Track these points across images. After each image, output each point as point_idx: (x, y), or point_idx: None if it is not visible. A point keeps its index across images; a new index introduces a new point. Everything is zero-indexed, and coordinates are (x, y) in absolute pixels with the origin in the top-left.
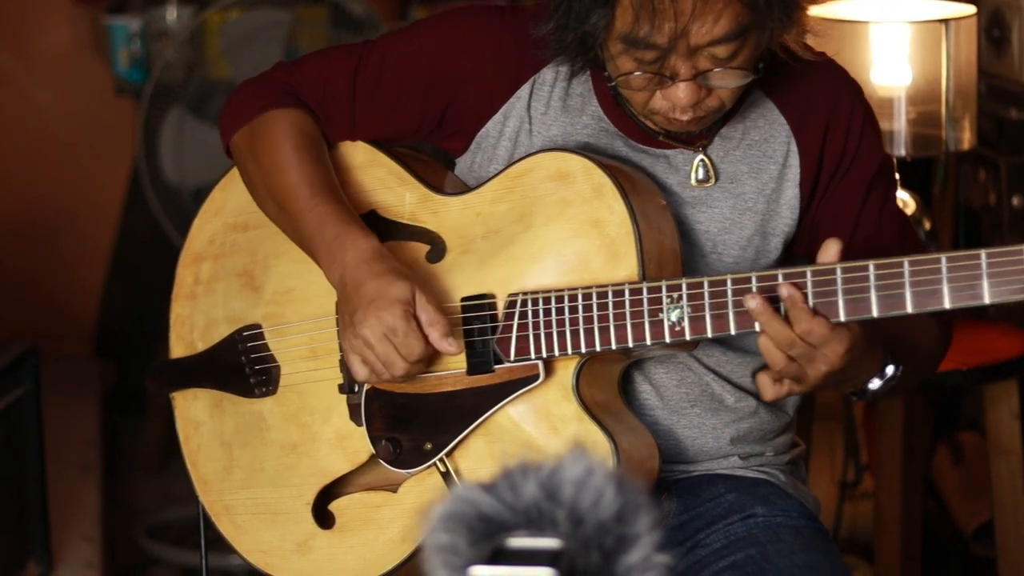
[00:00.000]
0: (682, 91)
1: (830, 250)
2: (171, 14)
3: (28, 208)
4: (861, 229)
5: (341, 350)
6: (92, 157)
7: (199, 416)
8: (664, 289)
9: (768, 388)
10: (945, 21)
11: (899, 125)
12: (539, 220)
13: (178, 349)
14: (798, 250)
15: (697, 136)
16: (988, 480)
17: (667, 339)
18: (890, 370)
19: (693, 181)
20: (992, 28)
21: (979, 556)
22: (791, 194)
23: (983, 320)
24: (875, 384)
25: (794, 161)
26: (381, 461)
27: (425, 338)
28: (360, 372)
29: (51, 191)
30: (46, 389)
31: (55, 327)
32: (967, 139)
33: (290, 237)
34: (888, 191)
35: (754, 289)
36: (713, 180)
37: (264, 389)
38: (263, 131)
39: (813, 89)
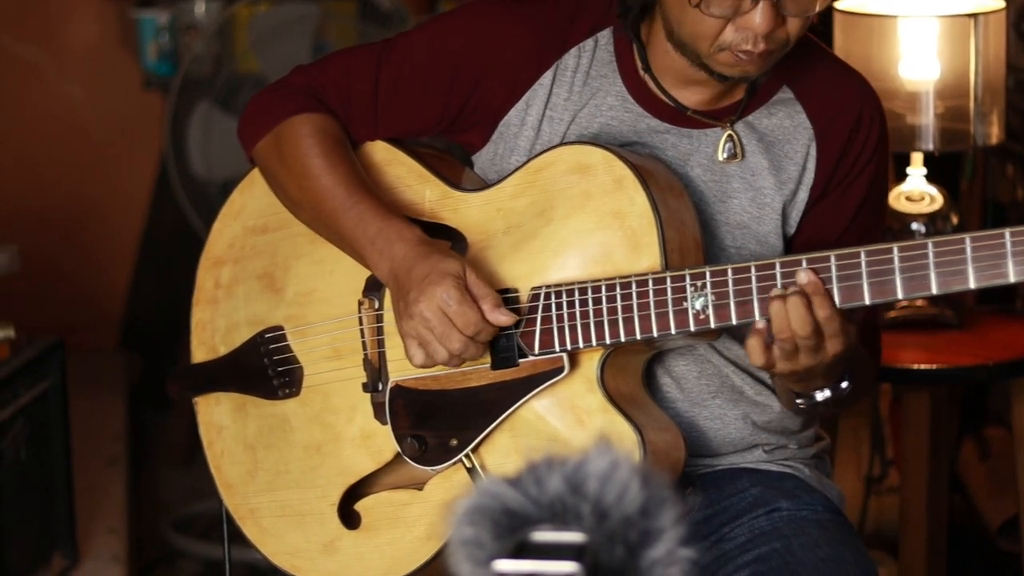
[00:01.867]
0: (760, 15)
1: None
2: (199, 8)
3: (56, 201)
4: (843, 244)
5: (364, 348)
6: (120, 150)
7: (222, 420)
8: (688, 278)
9: (758, 352)
10: (974, 16)
11: (927, 120)
12: (560, 213)
13: (200, 354)
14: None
15: (725, 113)
16: (1014, 475)
17: (692, 328)
18: (843, 385)
19: (720, 157)
20: (1021, 23)
21: (1005, 551)
22: (802, 197)
23: (1009, 315)
24: (824, 394)
25: (811, 165)
26: (407, 459)
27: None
28: (417, 356)
29: (79, 184)
30: (73, 382)
31: (82, 320)
32: (995, 134)
33: (329, 240)
34: (877, 223)
35: (778, 275)
36: (740, 157)
37: (287, 391)
38: (289, 137)
39: (842, 96)
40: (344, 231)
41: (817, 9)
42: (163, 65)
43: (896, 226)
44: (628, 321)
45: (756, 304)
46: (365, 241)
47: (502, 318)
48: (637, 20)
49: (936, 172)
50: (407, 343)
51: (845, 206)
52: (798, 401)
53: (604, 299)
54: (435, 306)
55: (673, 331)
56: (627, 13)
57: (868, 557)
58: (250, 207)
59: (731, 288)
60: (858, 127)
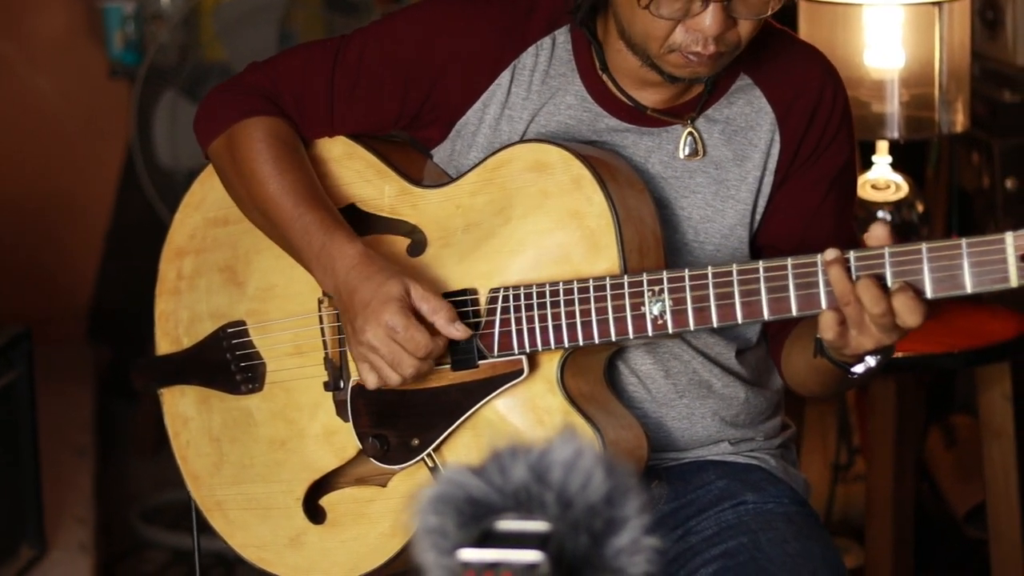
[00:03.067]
0: (710, 17)
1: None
2: None
3: (23, 191)
4: (812, 229)
5: (325, 347)
6: (87, 140)
7: (187, 412)
8: (645, 283)
9: (830, 326)
10: (938, 3)
11: (892, 108)
12: (518, 212)
13: (164, 345)
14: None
15: (684, 110)
16: (980, 463)
17: (650, 332)
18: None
19: (681, 154)
20: (986, 10)
21: (971, 538)
22: (768, 181)
23: (975, 303)
24: (870, 361)
25: (775, 150)
26: (369, 457)
27: (428, 330)
28: (370, 380)
29: (46, 174)
30: (41, 373)
31: (50, 310)
32: (960, 122)
33: (280, 246)
34: (847, 197)
35: (735, 281)
36: (701, 154)
37: (250, 386)
38: (240, 140)
39: (800, 76)
40: (291, 241)
41: (769, 12)
42: (129, 54)
43: (861, 214)
44: (586, 325)
45: (714, 310)
46: (310, 255)
47: (457, 332)
48: (589, 17)
49: (901, 160)
50: (359, 367)
51: (815, 188)
52: (854, 370)
53: (562, 302)
54: (382, 334)
55: (631, 336)
56: (577, 10)
57: (835, 550)
58: (211, 198)
59: (688, 294)
60: (820, 104)
